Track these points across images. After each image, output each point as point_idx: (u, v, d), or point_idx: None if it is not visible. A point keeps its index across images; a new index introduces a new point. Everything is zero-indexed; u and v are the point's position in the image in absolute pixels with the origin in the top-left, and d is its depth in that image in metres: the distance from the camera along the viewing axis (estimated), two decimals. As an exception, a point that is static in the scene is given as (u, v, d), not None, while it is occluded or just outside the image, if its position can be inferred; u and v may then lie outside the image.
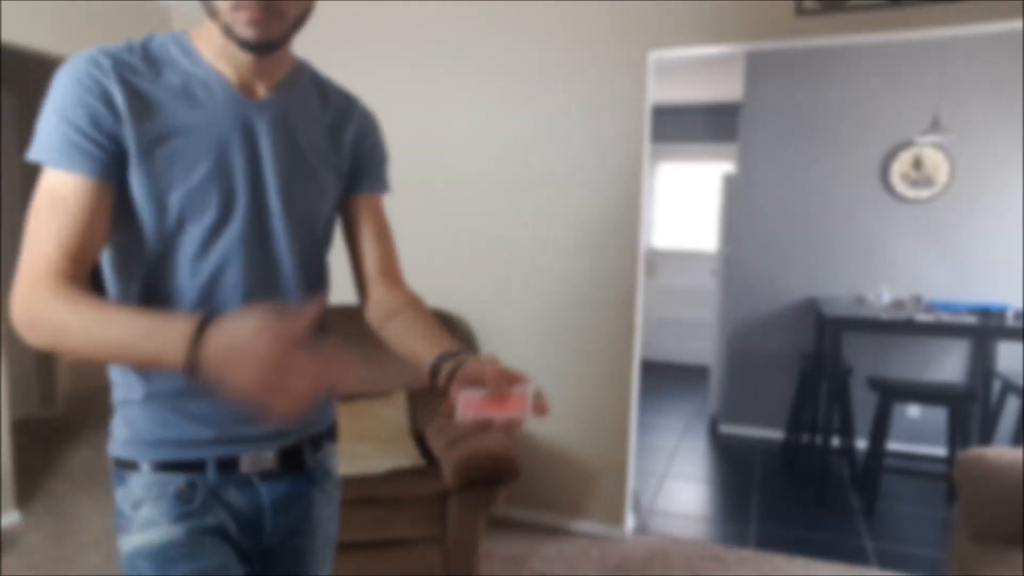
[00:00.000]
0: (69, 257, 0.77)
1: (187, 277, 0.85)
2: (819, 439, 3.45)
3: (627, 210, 2.73)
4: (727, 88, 5.13)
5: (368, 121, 1.04)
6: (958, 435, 3.14)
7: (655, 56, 2.68)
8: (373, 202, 1.05)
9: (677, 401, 5.12)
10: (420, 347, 0.92)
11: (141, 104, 0.80)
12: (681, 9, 2.58)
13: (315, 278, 0.99)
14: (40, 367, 4.34)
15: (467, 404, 0.76)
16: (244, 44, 0.81)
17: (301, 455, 0.99)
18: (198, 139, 0.83)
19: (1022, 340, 3.13)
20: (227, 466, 0.92)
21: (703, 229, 6.05)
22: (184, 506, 0.89)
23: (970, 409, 3.63)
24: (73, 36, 2.97)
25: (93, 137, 0.78)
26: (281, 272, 0.92)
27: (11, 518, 2.91)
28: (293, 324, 0.68)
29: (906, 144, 3.85)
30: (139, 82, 0.81)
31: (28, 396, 4.29)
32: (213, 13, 0.80)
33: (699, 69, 4.63)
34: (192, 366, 0.67)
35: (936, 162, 3.81)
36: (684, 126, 5.97)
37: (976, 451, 1.98)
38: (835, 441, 3.63)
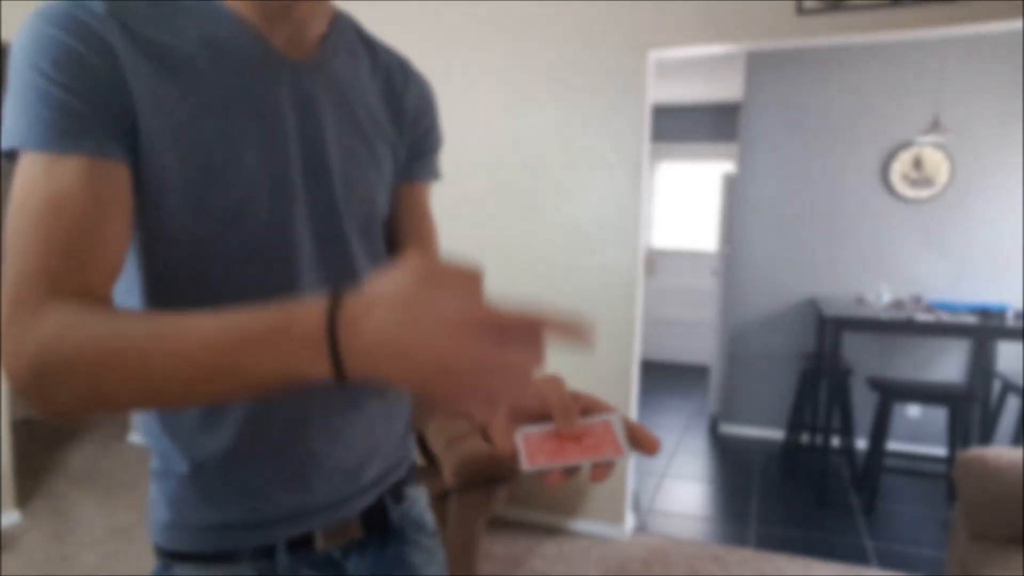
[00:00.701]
0: (81, 272, 0.52)
1: (231, 295, 0.59)
2: (819, 439, 3.45)
3: (627, 210, 2.73)
4: (727, 88, 5.13)
5: (426, 90, 0.82)
6: (958, 435, 3.13)
7: (655, 56, 2.68)
8: (421, 193, 0.83)
9: (677, 401, 5.12)
10: None
11: (154, 59, 0.57)
12: (681, 9, 2.58)
13: None
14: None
15: (533, 447, 0.54)
16: None
17: (384, 512, 0.79)
18: (235, 110, 0.60)
19: (1022, 340, 3.13)
20: (300, 545, 0.72)
21: (703, 229, 6.05)
22: None
23: (970, 409, 3.63)
24: (73, 36, 2.97)
25: (91, 99, 0.53)
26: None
27: (11, 518, 2.91)
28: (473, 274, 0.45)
29: (906, 144, 3.85)
30: (148, 29, 0.57)
31: (28, 396, 4.29)
32: None
33: (699, 69, 4.63)
34: (344, 363, 0.42)
35: (936, 162, 3.81)
36: (684, 126, 5.97)
37: (976, 451, 1.98)
38: (835, 441, 3.63)
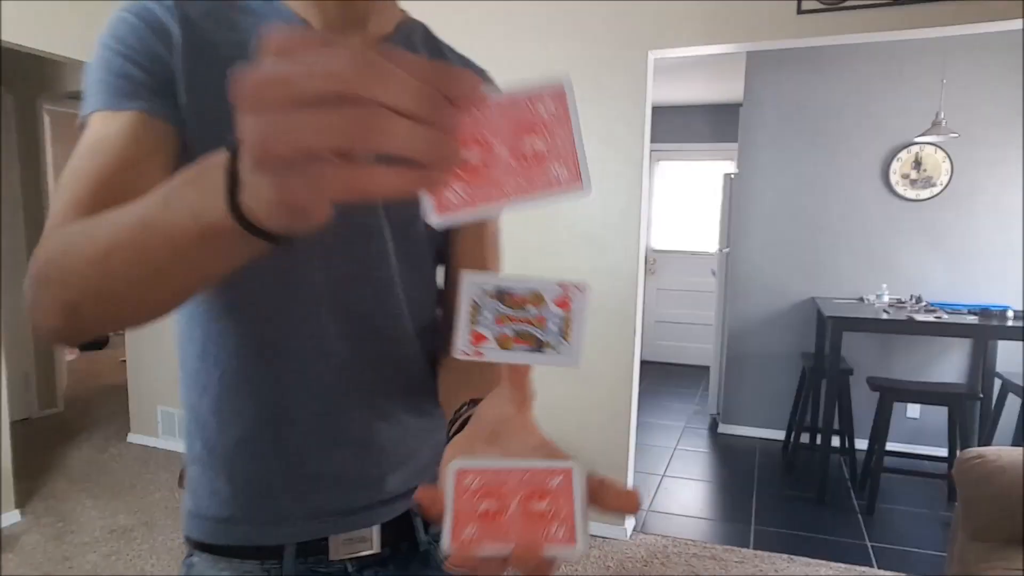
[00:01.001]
0: (103, 201, 0.52)
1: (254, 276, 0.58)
2: (819, 439, 3.45)
3: (627, 210, 2.73)
4: (727, 88, 5.13)
5: None
6: (958, 435, 3.13)
7: (655, 56, 2.68)
8: None
9: (677, 401, 5.12)
10: (459, 388, 0.63)
11: (205, 51, 0.60)
12: (681, 9, 2.58)
13: (421, 295, 0.75)
14: (40, 367, 4.34)
15: (463, 505, 0.39)
16: None
17: (412, 531, 0.75)
18: None
19: (1022, 340, 3.13)
20: (310, 551, 0.70)
21: (703, 229, 6.05)
22: None
23: (970, 409, 3.63)
24: (73, 36, 2.97)
25: (145, 67, 0.58)
26: (386, 289, 0.70)
27: (11, 518, 2.91)
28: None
29: (906, 144, 3.85)
30: (206, 22, 0.61)
31: (28, 396, 4.29)
32: None
33: (699, 69, 4.63)
34: (238, 195, 0.35)
35: (936, 162, 3.81)
36: (684, 126, 5.97)
37: (976, 451, 1.98)
38: (835, 441, 3.63)
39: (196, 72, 0.59)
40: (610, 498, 0.40)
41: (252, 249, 0.38)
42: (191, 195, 0.38)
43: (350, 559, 0.72)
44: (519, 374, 0.45)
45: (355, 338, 0.69)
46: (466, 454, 0.43)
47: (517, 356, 0.42)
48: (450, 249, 0.77)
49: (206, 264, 0.42)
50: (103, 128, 0.57)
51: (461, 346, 0.42)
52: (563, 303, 0.42)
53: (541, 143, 0.35)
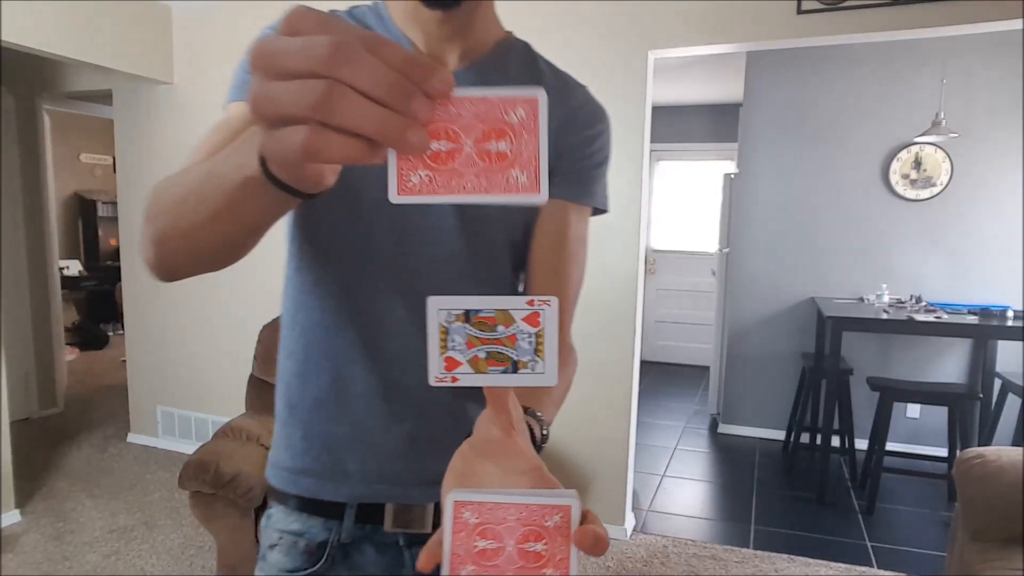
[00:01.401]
0: None
1: (346, 256, 0.75)
2: (819, 439, 3.45)
3: (627, 210, 2.73)
4: (727, 88, 5.13)
5: (581, 113, 0.83)
6: (958, 435, 3.14)
7: (655, 56, 2.68)
8: (565, 213, 0.82)
9: (677, 401, 5.12)
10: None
11: None
12: (681, 9, 2.58)
13: (489, 291, 0.79)
14: (40, 367, 4.34)
15: (461, 543, 0.41)
16: None
17: None
18: None
19: (1022, 340, 3.13)
20: (368, 518, 0.78)
21: (703, 229, 6.05)
22: (309, 567, 0.78)
23: (970, 409, 3.63)
24: (73, 36, 2.97)
25: None
26: (455, 282, 0.77)
27: (11, 518, 2.92)
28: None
29: (906, 144, 3.85)
30: None
31: (28, 396, 4.29)
32: None
33: (699, 69, 4.63)
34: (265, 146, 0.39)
35: (936, 162, 3.81)
36: (684, 126, 5.97)
37: (976, 451, 1.98)
38: (835, 441, 3.63)
39: None
40: (580, 535, 0.40)
41: (281, 200, 0.44)
42: (239, 153, 0.46)
43: (403, 533, 0.78)
44: (498, 398, 0.45)
45: (420, 324, 0.72)
46: (466, 469, 0.45)
47: (492, 379, 0.42)
48: (528, 256, 0.81)
49: (248, 211, 0.49)
50: (232, 111, 0.70)
51: (434, 372, 0.42)
52: (533, 319, 0.42)
53: (506, 146, 0.36)
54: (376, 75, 0.31)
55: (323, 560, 0.78)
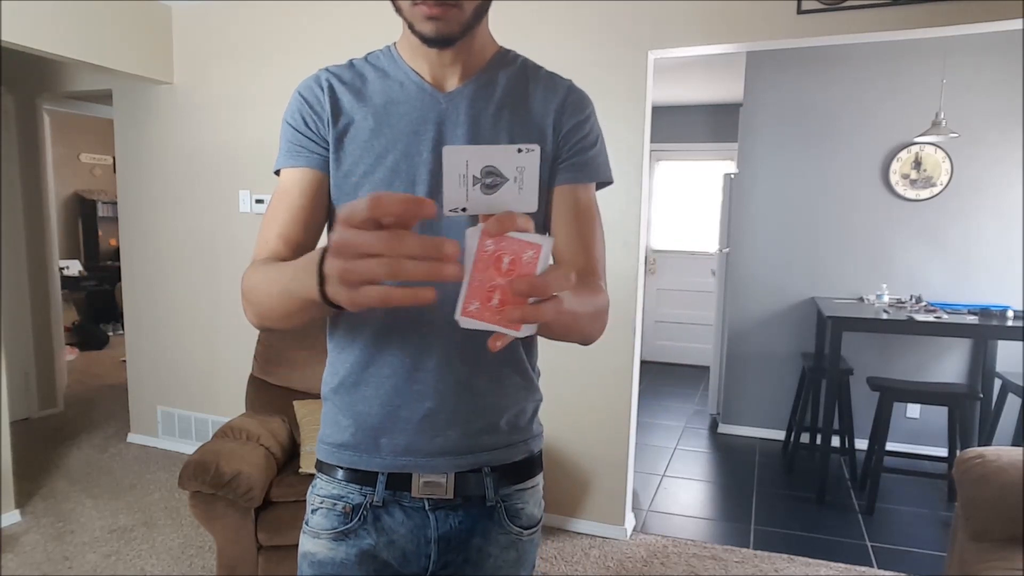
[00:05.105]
0: (284, 239, 0.87)
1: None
2: (819, 439, 3.45)
3: (627, 210, 2.73)
4: (727, 88, 5.13)
5: (572, 104, 0.93)
6: (958, 435, 3.14)
7: (655, 56, 2.68)
8: (573, 193, 0.92)
9: (677, 401, 5.11)
10: None
11: (341, 106, 0.89)
12: (681, 9, 2.58)
13: None
14: (40, 367, 4.34)
15: (475, 286, 0.58)
16: (424, 39, 0.82)
17: (483, 487, 0.92)
18: (388, 132, 0.87)
19: (1022, 340, 3.13)
20: (398, 485, 0.90)
21: (703, 229, 6.05)
22: (344, 525, 0.91)
23: (970, 409, 3.63)
24: (73, 36, 2.97)
25: (306, 135, 0.88)
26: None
27: (11, 518, 2.92)
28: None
29: (906, 144, 3.85)
30: (344, 89, 0.90)
31: (28, 396, 4.29)
32: (399, 11, 0.83)
33: (699, 69, 4.63)
34: (322, 280, 0.60)
35: (936, 162, 3.81)
36: (684, 126, 5.97)
37: (976, 451, 1.98)
38: (835, 441, 3.63)
39: (339, 129, 0.89)
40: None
41: (328, 310, 0.69)
42: (302, 278, 0.65)
43: (428, 498, 0.90)
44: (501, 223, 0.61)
45: (440, 316, 0.84)
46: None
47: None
48: (550, 231, 0.94)
49: (307, 313, 0.74)
50: (286, 179, 0.89)
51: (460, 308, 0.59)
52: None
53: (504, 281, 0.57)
54: (416, 248, 0.52)
55: (356, 518, 0.91)
